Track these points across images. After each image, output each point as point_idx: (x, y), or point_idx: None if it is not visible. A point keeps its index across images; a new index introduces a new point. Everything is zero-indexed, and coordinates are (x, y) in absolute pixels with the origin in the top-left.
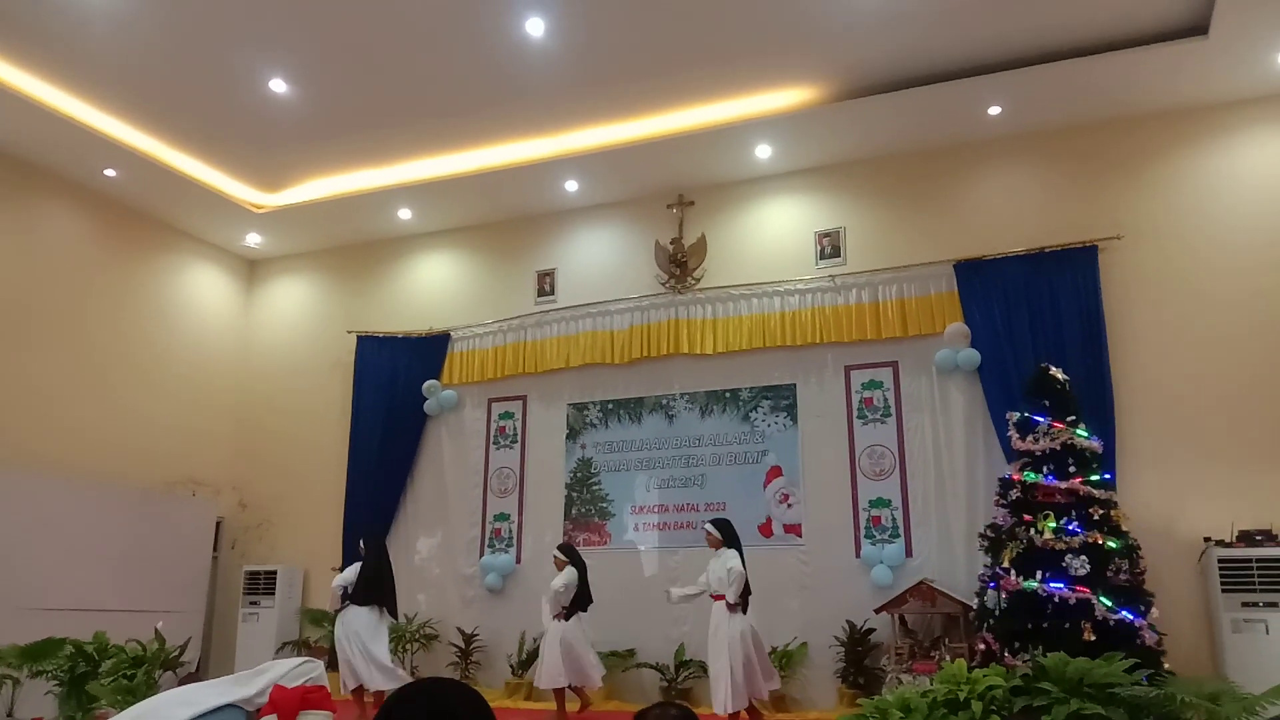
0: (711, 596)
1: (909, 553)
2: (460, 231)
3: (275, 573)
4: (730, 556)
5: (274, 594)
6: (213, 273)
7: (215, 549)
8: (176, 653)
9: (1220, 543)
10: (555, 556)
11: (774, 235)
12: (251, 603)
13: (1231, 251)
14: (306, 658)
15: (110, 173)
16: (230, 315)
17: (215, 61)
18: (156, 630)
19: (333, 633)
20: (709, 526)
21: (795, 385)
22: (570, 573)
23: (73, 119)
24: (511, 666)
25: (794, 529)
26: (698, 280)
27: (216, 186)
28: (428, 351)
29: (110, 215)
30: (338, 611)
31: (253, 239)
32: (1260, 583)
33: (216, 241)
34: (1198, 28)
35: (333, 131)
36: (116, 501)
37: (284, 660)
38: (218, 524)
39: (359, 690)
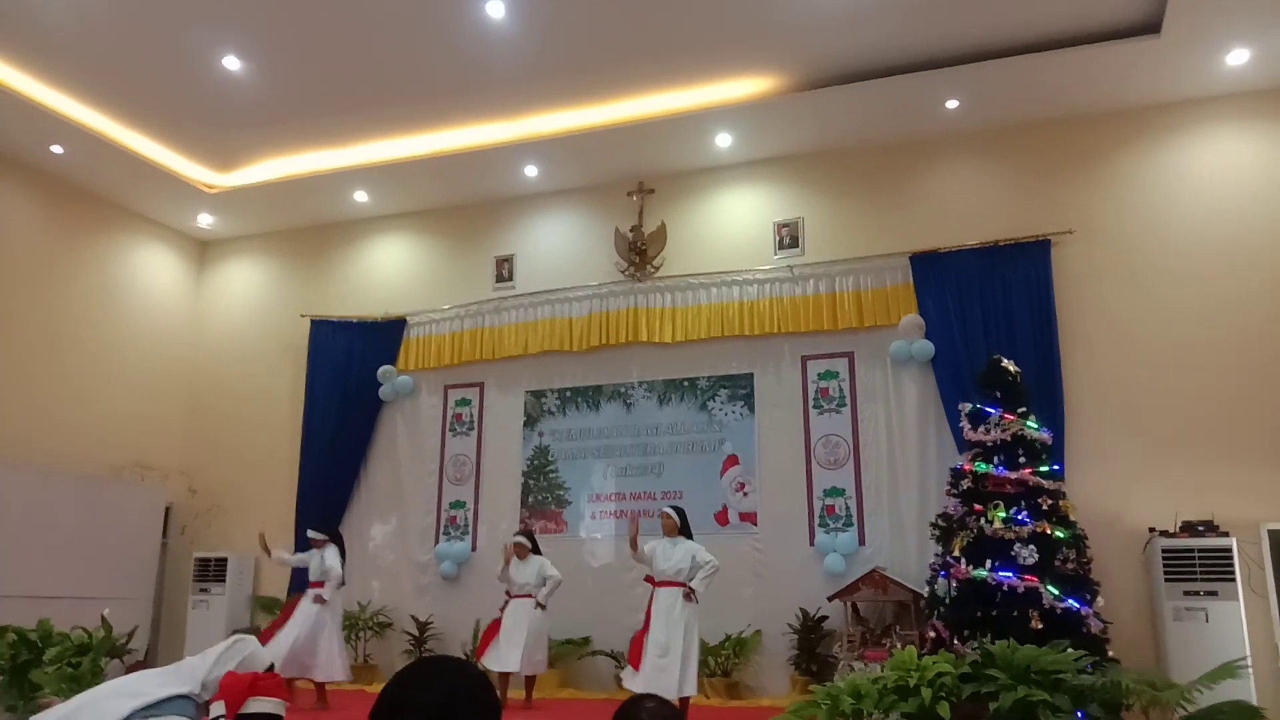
0: (655, 582)
1: (862, 541)
2: (418, 215)
3: (226, 560)
4: (697, 548)
5: (224, 581)
6: (163, 253)
7: (164, 535)
8: (123, 640)
9: (1164, 533)
10: (519, 543)
11: (733, 225)
12: (201, 590)
13: (1178, 249)
14: (237, 636)
15: (57, 149)
16: (181, 297)
17: (166, 36)
18: (103, 617)
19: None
20: (669, 510)
21: (753, 375)
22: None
23: (17, 93)
24: (466, 654)
25: (749, 517)
26: (657, 269)
27: (167, 165)
28: (383, 336)
29: (57, 193)
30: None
31: (205, 220)
32: (1201, 572)
33: (167, 222)
34: (1150, 27)
35: (288, 111)
36: (62, 486)
37: (215, 646)
38: (167, 510)
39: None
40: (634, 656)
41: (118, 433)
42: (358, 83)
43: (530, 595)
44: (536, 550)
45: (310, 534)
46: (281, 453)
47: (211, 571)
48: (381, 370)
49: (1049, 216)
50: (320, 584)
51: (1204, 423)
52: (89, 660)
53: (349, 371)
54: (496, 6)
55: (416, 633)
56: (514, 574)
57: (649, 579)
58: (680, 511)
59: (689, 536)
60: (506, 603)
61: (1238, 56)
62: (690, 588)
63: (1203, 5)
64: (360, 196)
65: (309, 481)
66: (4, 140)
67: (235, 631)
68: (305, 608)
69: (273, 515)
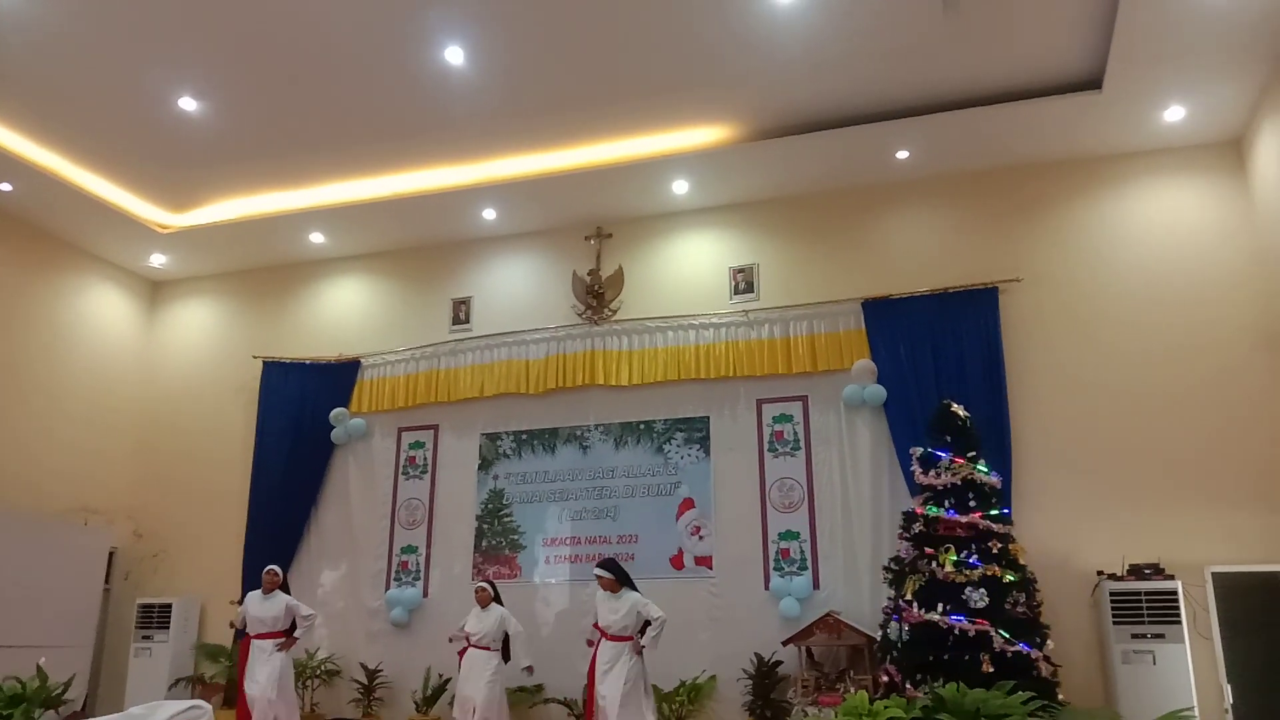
0: (606, 635)
1: (816, 585)
2: (374, 257)
3: (170, 605)
4: (644, 601)
5: (168, 628)
6: (114, 294)
7: (107, 580)
8: (60, 690)
9: (1112, 576)
10: (482, 589)
11: (690, 269)
12: (144, 637)
13: (1121, 296)
14: (195, 702)
15: (5, 187)
16: (131, 338)
17: (121, 75)
18: (38, 666)
19: (235, 669)
20: (601, 571)
21: (709, 418)
22: None
23: None
24: (416, 703)
25: (705, 561)
26: (614, 312)
27: (120, 205)
28: (336, 378)
29: (4, 231)
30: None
31: (157, 259)
32: (1149, 615)
33: (119, 261)
34: (1093, 83)
35: (244, 152)
36: (1, 530)
37: (171, 702)
38: (110, 554)
39: None
40: (590, 714)
41: (62, 475)
42: (315, 124)
43: (489, 647)
44: (498, 599)
45: (275, 570)
46: (230, 497)
47: (155, 618)
48: (334, 413)
49: (997, 264)
50: (281, 634)
51: (1149, 467)
52: (21, 712)
53: (301, 414)
54: (455, 53)
55: (365, 681)
56: (473, 623)
57: (596, 625)
58: (612, 565)
59: (632, 587)
60: (465, 651)
61: (1174, 113)
62: (639, 643)
63: (1141, 64)
64: (316, 238)
65: (258, 526)
66: None
67: (180, 680)
68: (282, 658)
69: (221, 560)
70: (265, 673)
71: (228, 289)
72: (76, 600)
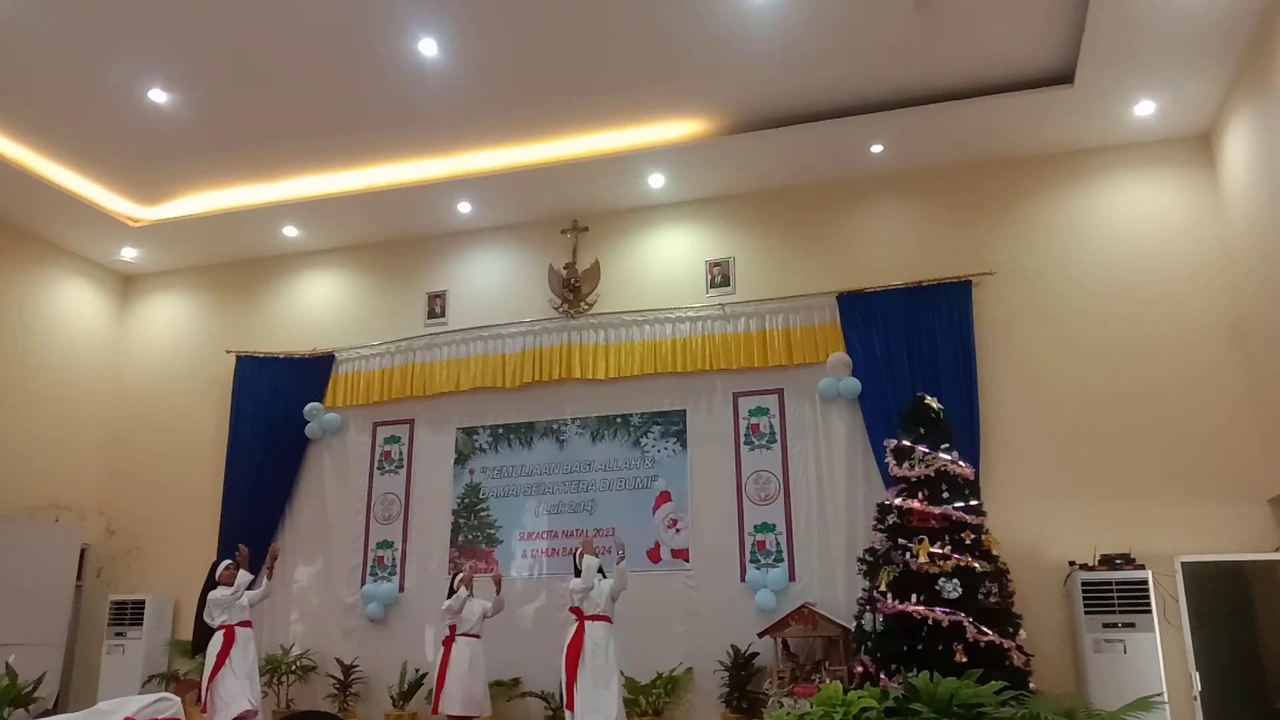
0: (587, 615)
1: (792, 577)
2: (349, 250)
3: (143, 602)
4: (605, 581)
5: (142, 624)
6: (84, 288)
7: (79, 577)
8: (30, 688)
9: (1084, 566)
10: (474, 569)
11: (666, 263)
12: (117, 634)
13: (1090, 290)
14: (163, 694)
15: None
16: (101, 332)
17: (90, 66)
18: (8, 664)
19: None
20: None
21: (685, 411)
22: None
23: None
24: (393, 698)
25: (681, 554)
26: (591, 305)
27: (90, 198)
28: (311, 373)
29: None
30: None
31: (128, 253)
32: (1119, 604)
33: (89, 255)
34: (1064, 77)
35: (217, 144)
36: None
37: (138, 696)
38: (83, 551)
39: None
40: (572, 700)
41: (33, 471)
42: (289, 117)
43: (478, 635)
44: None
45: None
46: (204, 492)
47: (129, 615)
48: (308, 407)
49: (970, 258)
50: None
51: (1119, 458)
52: None
53: (275, 409)
54: (429, 45)
55: (341, 676)
56: (469, 608)
57: (576, 610)
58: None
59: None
60: (450, 640)
61: (1144, 108)
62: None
63: (1112, 58)
64: (290, 231)
65: (232, 522)
66: None
67: (153, 677)
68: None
69: (194, 556)
70: (252, 675)
71: (200, 283)
72: (48, 597)
